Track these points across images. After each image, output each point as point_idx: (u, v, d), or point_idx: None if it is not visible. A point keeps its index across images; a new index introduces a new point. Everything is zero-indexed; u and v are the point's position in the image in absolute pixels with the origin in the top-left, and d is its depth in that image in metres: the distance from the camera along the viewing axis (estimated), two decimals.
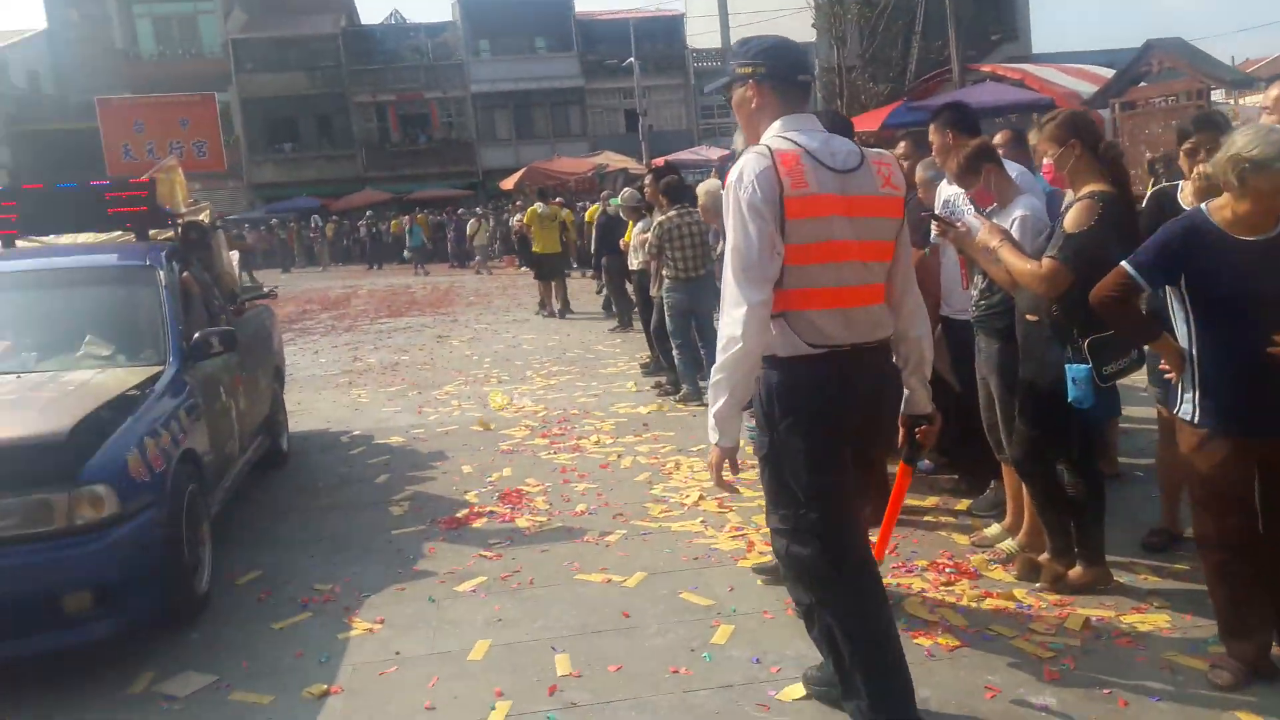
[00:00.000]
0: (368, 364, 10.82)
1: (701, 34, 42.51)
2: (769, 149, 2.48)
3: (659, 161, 16.57)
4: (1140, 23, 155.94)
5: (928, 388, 2.81)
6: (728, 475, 2.59)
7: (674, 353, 7.77)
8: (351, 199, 36.73)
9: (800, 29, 36.79)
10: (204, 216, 6.06)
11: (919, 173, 4.84)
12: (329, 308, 18.12)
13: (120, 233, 5.74)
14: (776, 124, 2.58)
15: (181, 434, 4.11)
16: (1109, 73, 16.16)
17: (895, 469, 3.21)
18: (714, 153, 24.96)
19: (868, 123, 15.85)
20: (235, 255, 6.71)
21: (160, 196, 5.53)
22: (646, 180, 8.57)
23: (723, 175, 8.96)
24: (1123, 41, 22.04)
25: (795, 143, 2.51)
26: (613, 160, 25.10)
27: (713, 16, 42.60)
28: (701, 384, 7.70)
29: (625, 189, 10.40)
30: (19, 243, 5.63)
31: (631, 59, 34.10)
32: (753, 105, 2.63)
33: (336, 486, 5.90)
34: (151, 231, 5.70)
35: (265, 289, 7.55)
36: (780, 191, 2.42)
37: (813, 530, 2.60)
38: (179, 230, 5.67)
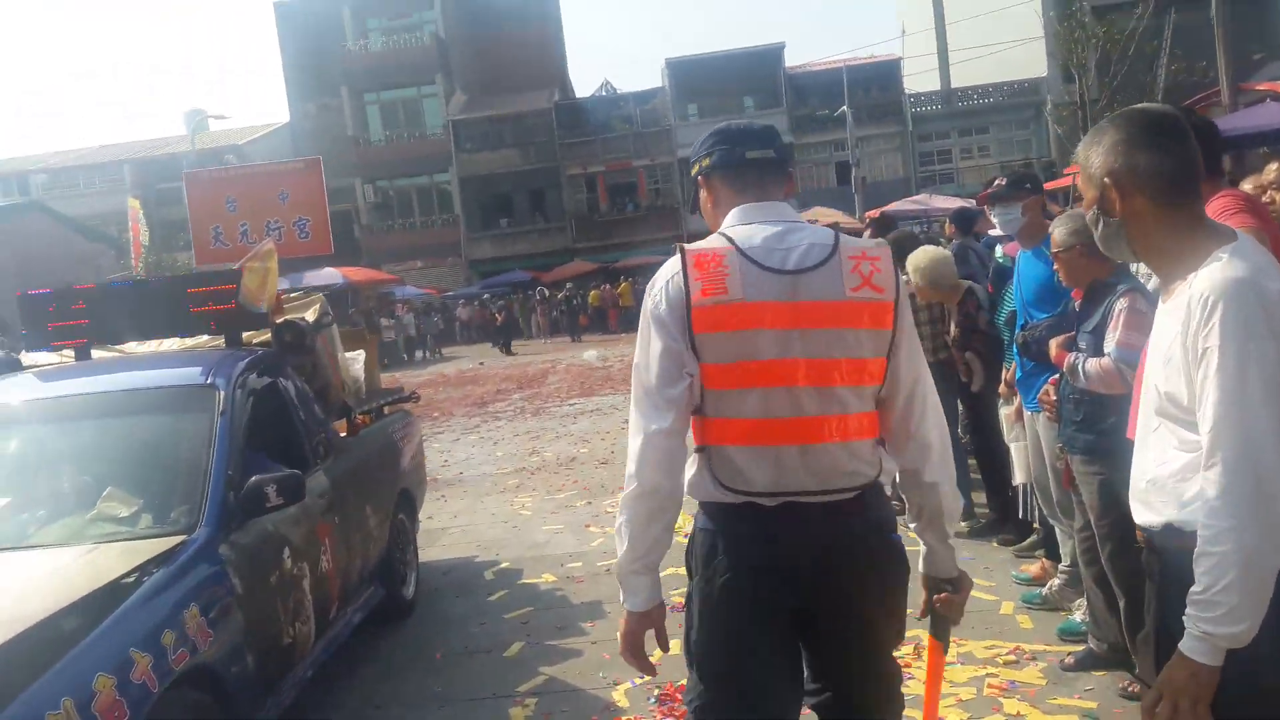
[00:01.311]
0: (543, 459, 9.63)
1: (919, 74, 40.45)
2: (681, 250, 2.08)
3: (874, 213, 14.77)
4: None
5: (949, 547, 2.23)
6: (650, 651, 2.13)
7: None
8: (561, 270, 36.82)
9: (1032, 62, 34.26)
10: (310, 313, 4.96)
11: None
12: (525, 386, 17.32)
13: (209, 338, 4.75)
14: (728, 218, 2.16)
15: (182, 648, 2.84)
16: None
17: None
18: (938, 201, 22.73)
19: None
20: (359, 355, 5.60)
21: (246, 292, 4.44)
22: (865, 236, 6.95)
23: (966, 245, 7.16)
24: None
25: (730, 239, 2.08)
26: (822, 215, 23.25)
27: (930, 55, 40.40)
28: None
29: None
30: (95, 353, 4.71)
31: (844, 108, 32.44)
32: (709, 205, 2.25)
33: (455, 660, 4.54)
34: (246, 335, 4.66)
35: (407, 391, 6.41)
36: (687, 300, 2.01)
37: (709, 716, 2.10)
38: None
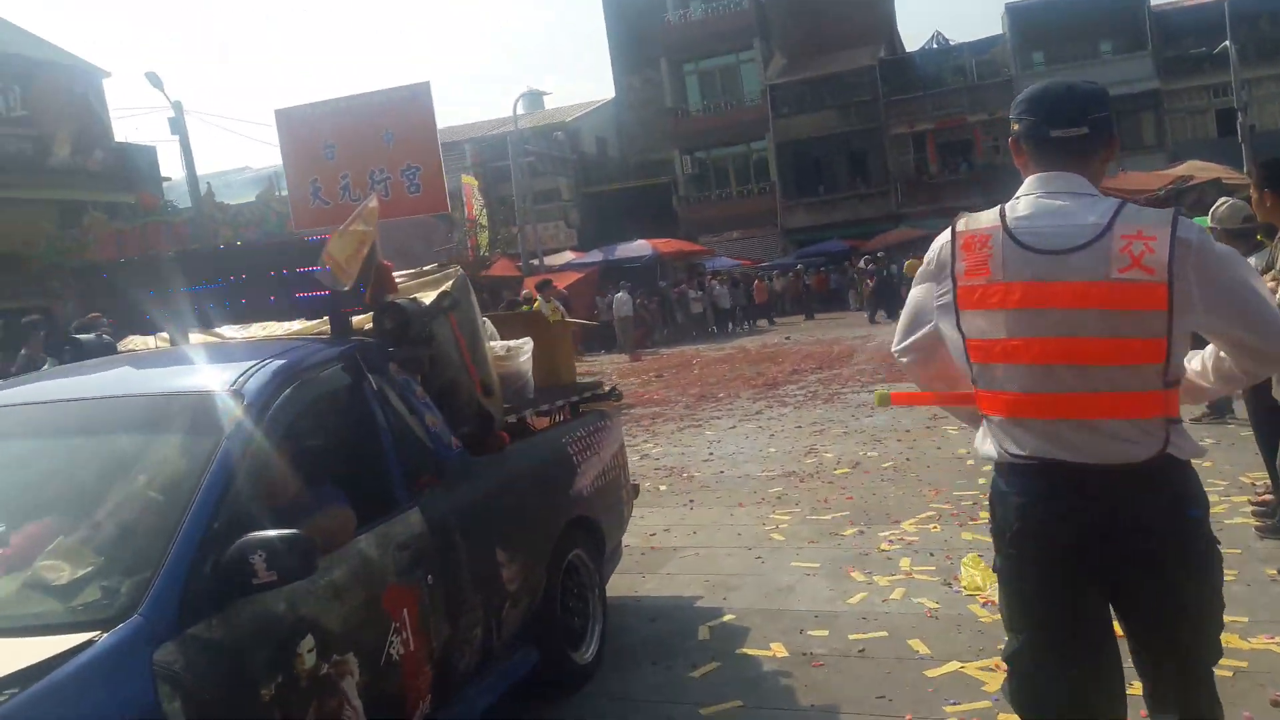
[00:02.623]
0: (820, 461, 7.98)
1: None
2: (953, 229, 2.14)
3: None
4: None
5: None
6: None
7: None
8: (884, 238, 34.17)
9: None
10: (431, 293, 3.70)
11: None
12: (825, 365, 15.59)
13: (314, 322, 3.68)
14: (1021, 187, 2.14)
15: None
16: None
17: None
18: None
19: None
20: (523, 345, 4.30)
21: (330, 263, 3.27)
22: (1252, 184, 4.64)
23: None
24: None
25: (1003, 214, 2.08)
26: (1199, 171, 19.25)
27: None
28: None
29: (1222, 200, 6.20)
30: (196, 336, 3.77)
31: (1226, 44, 27.24)
32: (1019, 166, 2.20)
33: None
34: (357, 320, 3.54)
35: (606, 386, 5.08)
36: (953, 276, 2.10)
37: (1013, 669, 2.16)
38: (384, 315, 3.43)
